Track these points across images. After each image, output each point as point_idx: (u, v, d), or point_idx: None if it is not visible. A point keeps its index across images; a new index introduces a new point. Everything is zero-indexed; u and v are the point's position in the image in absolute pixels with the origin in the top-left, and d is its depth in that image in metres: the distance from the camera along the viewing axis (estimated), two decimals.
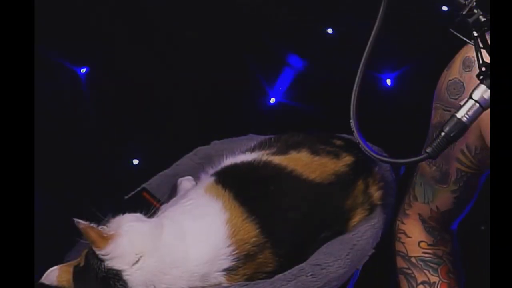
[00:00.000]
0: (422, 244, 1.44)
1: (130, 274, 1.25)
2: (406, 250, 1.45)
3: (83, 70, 2.04)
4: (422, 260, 1.43)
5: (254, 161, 1.43)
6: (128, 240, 1.26)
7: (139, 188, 1.62)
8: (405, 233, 1.46)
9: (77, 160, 1.98)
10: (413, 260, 1.44)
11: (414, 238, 1.45)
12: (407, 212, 1.46)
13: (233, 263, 1.29)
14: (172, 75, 2.05)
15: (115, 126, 2.06)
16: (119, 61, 2.03)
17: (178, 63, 2.03)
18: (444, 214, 1.42)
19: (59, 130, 1.97)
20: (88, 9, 1.97)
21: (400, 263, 1.46)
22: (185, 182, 1.59)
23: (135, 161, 2.07)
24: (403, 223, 1.47)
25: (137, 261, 1.25)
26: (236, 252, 1.29)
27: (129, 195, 1.61)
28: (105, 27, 2.00)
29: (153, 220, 1.34)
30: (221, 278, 1.29)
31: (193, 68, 2.02)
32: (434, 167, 1.38)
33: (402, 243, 1.46)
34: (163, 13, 2.00)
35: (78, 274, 1.29)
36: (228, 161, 1.47)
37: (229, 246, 1.29)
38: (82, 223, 1.25)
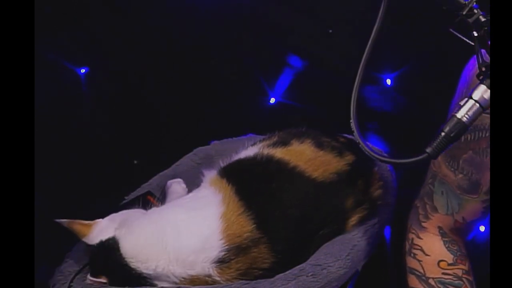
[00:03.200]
0: (442, 264, 1.32)
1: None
2: (424, 269, 1.33)
3: (83, 70, 2.04)
4: (442, 283, 1.31)
5: (257, 155, 1.44)
6: (108, 219, 1.36)
7: (144, 191, 1.61)
8: (422, 250, 1.33)
9: (77, 160, 1.98)
10: (432, 282, 1.32)
11: (433, 256, 1.32)
12: (423, 225, 1.33)
13: (222, 253, 1.29)
14: (172, 75, 2.05)
15: (115, 126, 2.06)
16: (118, 62, 2.03)
17: (178, 63, 2.03)
18: (470, 224, 1.30)
19: (59, 130, 1.97)
20: (88, 9, 1.97)
21: (415, 283, 1.34)
22: (175, 185, 1.59)
23: (135, 161, 2.08)
24: (419, 237, 1.33)
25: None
26: (226, 243, 1.29)
27: (133, 196, 1.60)
28: (105, 27, 2.00)
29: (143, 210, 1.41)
30: (212, 270, 1.29)
31: (193, 68, 2.02)
32: (460, 175, 1.25)
33: (419, 261, 1.33)
34: (163, 14, 2.00)
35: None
36: (236, 156, 1.48)
37: (220, 239, 1.30)
38: (63, 221, 1.31)
